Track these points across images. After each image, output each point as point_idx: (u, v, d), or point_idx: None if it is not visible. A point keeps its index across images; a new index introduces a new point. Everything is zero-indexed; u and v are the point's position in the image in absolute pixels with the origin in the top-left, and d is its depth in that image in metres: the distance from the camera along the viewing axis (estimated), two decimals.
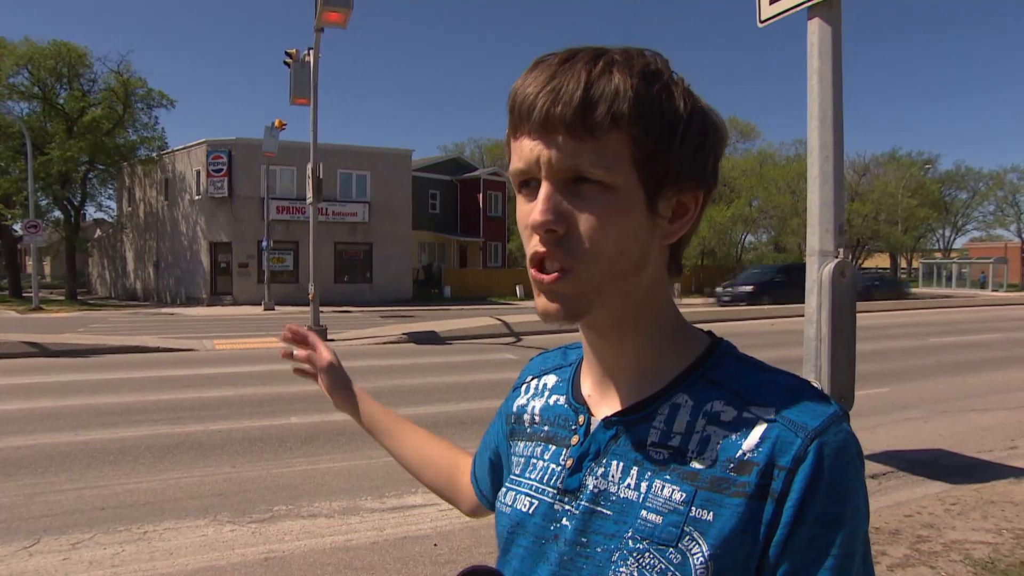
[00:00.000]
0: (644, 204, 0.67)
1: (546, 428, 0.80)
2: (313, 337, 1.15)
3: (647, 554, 0.65)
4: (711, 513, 0.64)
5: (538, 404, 0.84)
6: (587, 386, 0.79)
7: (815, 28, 4.33)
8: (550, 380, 0.86)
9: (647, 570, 0.65)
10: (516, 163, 0.68)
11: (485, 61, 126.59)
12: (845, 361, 4.29)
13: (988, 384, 9.54)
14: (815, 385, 0.71)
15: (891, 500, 4.83)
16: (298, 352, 1.15)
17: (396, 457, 1.12)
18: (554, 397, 0.83)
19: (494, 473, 0.95)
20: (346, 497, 4.88)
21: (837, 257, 4.32)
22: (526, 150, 0.66)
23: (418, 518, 4.51)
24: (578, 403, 0.78)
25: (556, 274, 0.67)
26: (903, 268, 58.87)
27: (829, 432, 0.64)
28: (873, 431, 6.71)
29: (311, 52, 14.43)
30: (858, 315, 4.27)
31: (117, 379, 9.59)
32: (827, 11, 4.29)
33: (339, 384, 1.14)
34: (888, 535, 4.01)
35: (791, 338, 12.84)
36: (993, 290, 40.88)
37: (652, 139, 0.65)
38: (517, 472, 0.81)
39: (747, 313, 21.95)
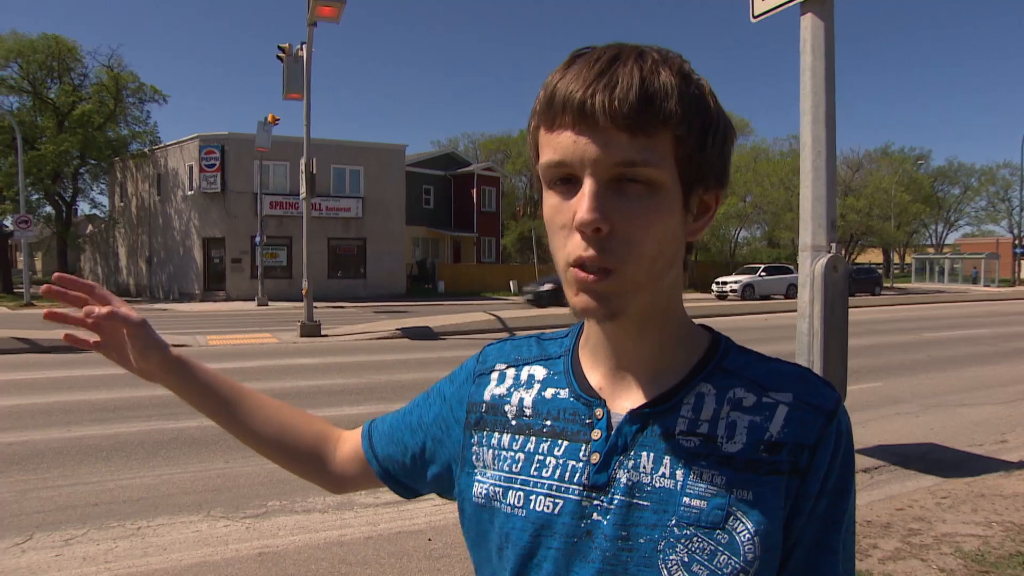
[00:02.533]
0: (681, 204, 0.68)
1: (548, 423, 0.77)
2: (100, 289, 0.87)
3: (695, 538, 0.68)
4: (750, 492, 0.69)
5: (527, 396, 0.81)
6: (595, 379, 0.77)
7: (808, 24, 4.34)
8: (537, 371, 0.82)
9: (697, 553, 0.68)
10: (551, 155, 0.66)
11: (478, 56, 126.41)
12: (837, 355, 4.32)
13: (979, 379, 9.61)
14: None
15: (883, 494, 4.86)
16: (99, 309, 0.84)
17: (242, 432, 0.93)
18: (551, 390, 0.79)
19: (420, 460, 0.89)
20: None
21: (830, 252, 4.34)
22: (567, 144, 0.64)
23: (412, 513, 4.52)
24: (590, 396, 0.76)
25: (596, 275, 0.66)
26: (896, 263, 59.14)
27: (839, 412, 0.72)
28: (865, 425, 6.75)
29: (304, 47, 14.37)
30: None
31: (109, 375, 9.54)
32: (820, 7, 4.31)
33: (152, 346, 0.88)
34: (880, 528, 4.03)
35: (784, 333, 12.91)
36: (984, 285, 41.11)
37: (693, 139, 0.65)
38: (514, 469, 0.77)
39: (741, 308, 22.03)
